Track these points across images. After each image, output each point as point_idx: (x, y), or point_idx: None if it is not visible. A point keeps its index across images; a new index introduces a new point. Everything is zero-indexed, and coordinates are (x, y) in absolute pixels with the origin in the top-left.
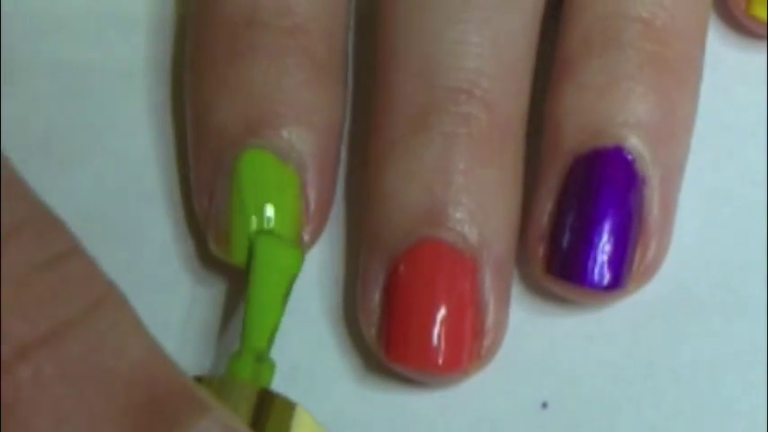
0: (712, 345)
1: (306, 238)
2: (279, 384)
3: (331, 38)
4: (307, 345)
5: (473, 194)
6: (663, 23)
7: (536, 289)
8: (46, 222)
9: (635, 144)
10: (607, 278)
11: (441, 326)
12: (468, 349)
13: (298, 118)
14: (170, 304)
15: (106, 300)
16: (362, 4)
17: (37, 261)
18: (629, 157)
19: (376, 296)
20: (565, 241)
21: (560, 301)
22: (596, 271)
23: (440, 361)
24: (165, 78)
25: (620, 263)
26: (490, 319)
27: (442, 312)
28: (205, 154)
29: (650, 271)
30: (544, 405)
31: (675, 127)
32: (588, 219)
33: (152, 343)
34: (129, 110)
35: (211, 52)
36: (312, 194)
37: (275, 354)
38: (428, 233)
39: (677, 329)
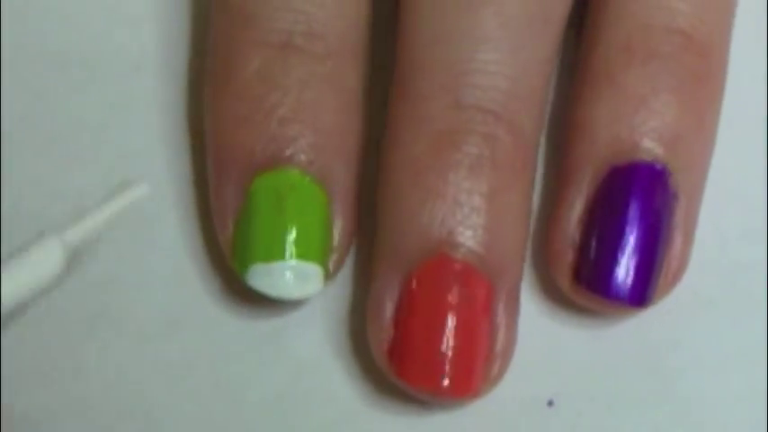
0: (716, 343)
1: (330, 267)
2: (286, 394)
3: (359, 62)
4: (311, 357)
5: (494, 219)
6: (701, 37)
7: (542, 287)
8: None
9: (671, 160)
10: (634, 293)
11: (453, 348)
12: (479, 373)
13: (328, 146)
14: (177, 302)
15: None
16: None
17: None
18: (665, 172)
19: (388, 312)
20: (595, 253)
21: (566, 300)
22: (625, 285)
23: (450, 384)
24: (173, 74)
25: (648, 278)
26: (501, 343)
27: (455, 334)
28: (229, 177)
29: (673, 285)
30: (550, 403)
31: (705, 142)
32: (620, 232)
33: None
34: (137, 106)
35: (243, 73)
36: (339, 224)
37: (281, 367)
38: (448, 253)
39: (682, 328)
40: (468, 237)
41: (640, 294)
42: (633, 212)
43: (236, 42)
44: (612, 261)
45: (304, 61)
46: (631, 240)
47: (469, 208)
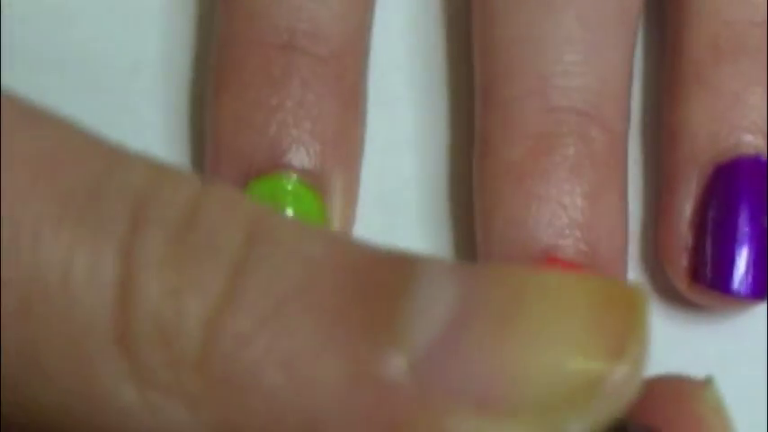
0: (716, 343)
1: None
2: None
3: (360, 65)
4: None
5: (598, 218)
6: None
7: None
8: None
9: None
10: (756, 286)
11: None
12: None
13: (327, 151)
14: None
15: (258, 220)
16: None
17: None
18: None
19: None
20: (711, 251)
21: None
22: (745, 280)
23: None
24: (173, 74)
25: (766, 270)
26: None
27: None
28: (227, 180)
29: None
30: None
31: None
32: (733, 229)
33: (323, 232)
34: (137, 107)
35: (243, 73)
36: (336, 229)
37: None
38: (557, 255)
39: (682, 328)
40: (576, 238)
41: (762, 287)
42: (743, 207)
43: (238, 41)
44: (730, 257)
45: (306, 63)
46: (745, 235)
47: (573, 208)
